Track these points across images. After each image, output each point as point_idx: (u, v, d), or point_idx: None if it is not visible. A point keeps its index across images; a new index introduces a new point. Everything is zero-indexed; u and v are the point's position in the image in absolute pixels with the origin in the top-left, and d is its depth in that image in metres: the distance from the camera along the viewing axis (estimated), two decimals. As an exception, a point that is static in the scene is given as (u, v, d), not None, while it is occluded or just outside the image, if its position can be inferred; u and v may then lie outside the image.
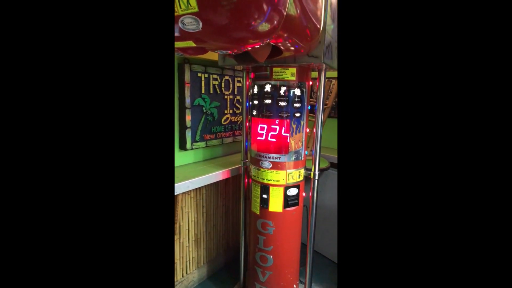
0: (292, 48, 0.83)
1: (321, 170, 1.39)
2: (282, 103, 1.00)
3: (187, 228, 1.33)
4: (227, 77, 1.40)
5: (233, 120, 1.48)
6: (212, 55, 1.28)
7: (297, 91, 1.00)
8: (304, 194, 1.13)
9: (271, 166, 1.05)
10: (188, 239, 1.35)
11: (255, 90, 1.05)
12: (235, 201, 1.57)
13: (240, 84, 1.48)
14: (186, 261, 1.36)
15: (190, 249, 1.37)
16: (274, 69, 0.98)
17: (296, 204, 1.09)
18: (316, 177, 1.07)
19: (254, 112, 1.07)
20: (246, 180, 1.25)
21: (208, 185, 1.34)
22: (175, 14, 0.52)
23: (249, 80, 1.16)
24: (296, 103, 1.00)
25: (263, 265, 1.14)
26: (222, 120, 1.42)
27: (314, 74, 1.07)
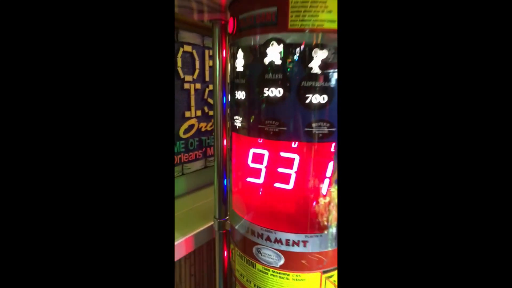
0: None
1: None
2: (315, 98, 0.35)
3: None
4: (187, 47, 0.73)
5: (203, 129, 0.82)
6: None
7: (358, 64, 0.35)
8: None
9: (282, 261, 0.41)
10: None
11: (240, 62, 0.41)
12: (210, 266, 0.93)
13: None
14: None
15: None
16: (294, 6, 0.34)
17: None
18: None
19: (238, 122, 0.43)
20: (225, 253, 0.61)
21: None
22: None
23: (227, 45, 0.50)
24: (352, 97, 0.36)
25: None
26: (181, 131, 0.76)
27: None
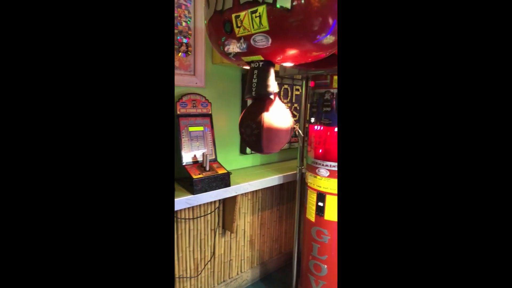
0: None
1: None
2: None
3: (243, 228, 1.40)
4: (286, 86, 1.45)
5: (290, 127, 1.52)
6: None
7: (359, 99, 0.98)
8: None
9: (328, 174, 1.05)
10: (244, 239, 1.42)
11: (314, 98, 1.07)
12: (289, 207, 1.59)
13: (298, 92, 1.51)
14: (241, 260, 1.43)
15: (245, 249, 1.44)
16: (335, 77, 0.99)
17: (354, 214, 1.05)
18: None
19: (312, 120, 1.09)
20: (301, 187, 1.27)
21: (264, 188, 1.40)
22: (248, 33, 0.59)
23: (308, 89, 1.18)
24: (357, 111, 0.99)
25: (317, 273, 1.13)
26: (280, 127, 1.48)
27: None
